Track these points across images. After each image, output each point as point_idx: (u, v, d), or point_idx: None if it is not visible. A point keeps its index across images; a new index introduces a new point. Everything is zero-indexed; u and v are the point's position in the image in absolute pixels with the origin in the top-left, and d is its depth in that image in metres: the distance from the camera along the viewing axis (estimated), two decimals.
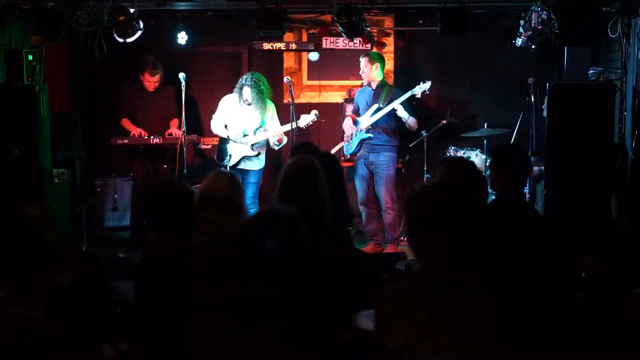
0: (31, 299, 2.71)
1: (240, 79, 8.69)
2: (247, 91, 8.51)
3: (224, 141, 8.72)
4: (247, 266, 2.98)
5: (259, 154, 8.70)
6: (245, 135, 8.58)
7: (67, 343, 2.71)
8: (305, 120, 8.60)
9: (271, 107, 8.77)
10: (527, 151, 7.73)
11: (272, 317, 2.83)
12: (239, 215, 4.67)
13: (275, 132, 8.55)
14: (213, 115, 8.88)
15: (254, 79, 8.56)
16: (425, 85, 8.55)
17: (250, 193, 8.49)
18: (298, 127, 8.44)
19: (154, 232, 4.25)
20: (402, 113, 8.45)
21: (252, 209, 8.20)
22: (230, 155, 8.60)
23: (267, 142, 8.72)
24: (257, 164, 8.73)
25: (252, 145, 8.61)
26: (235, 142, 8.58)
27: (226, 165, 8.54)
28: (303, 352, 2.87)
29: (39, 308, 2.70)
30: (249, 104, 8.57)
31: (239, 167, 8.63)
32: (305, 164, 4.46)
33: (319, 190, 4.38)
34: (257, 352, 2.78)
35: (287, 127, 8.51)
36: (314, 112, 8.68)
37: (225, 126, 8.67)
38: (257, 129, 8.61)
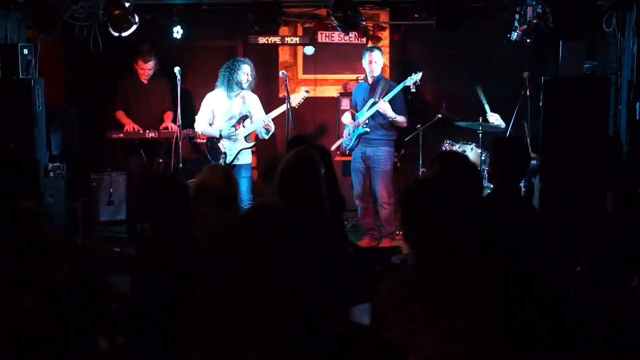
0: (27, 292, 2.72)
1: (232, 65, 8.52)
2: (248, 70, 8.43)
3: (213, 141, 8.64)
4: (243, 261, 2.98)
5: (254, 144, 8.68)
6: (233, 126, 8.54)
7: (63, 336, 2.71)
8: (296, 99, 8.59)
9: (254, 96, 8.71)
10: (526, 145, 7.73)
11: (268, 312, 2.84)
12: (234, 209, 4.68)
13: (262, 120, 8.48)
14: (196, 117, 8.76)
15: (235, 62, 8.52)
16: (417, 76, 8.52)
17: (244, 187, 8.40)
18: (291, 108, 8.38)
19: (150, 227, 4.25)
20: (389, 113, 8.43)
21: (248, 203, 8.19)
22: (225, 154, 8.54)
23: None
24: (248, 157, 8.69)
25: (246, 137, 8.57)
26: (227, 138, 8.54)
27: (224, 163, 8.45)
28: (299, 346, 2.87)
29: (35, 301, 2.70)
30: (242, 88, 8.51)
31: (234, 162, 8.55)
32: (304, 157, 4.45)
33: (319, 183, 4.38)
34: (253, 347, 2.78)
35: (274, 113, 8.50)
36: (303, 89, 8.75)
37: (210, 124, 8.65)
38: (245, 118, 8.57)
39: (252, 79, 8.54)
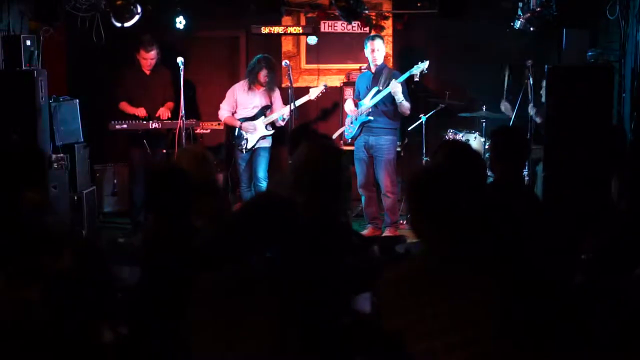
0: (31, 283, 2.72)
1: (254, 62, 8.98)
2: (264, 73, 8.87)
3: (239, 128, 9.08)
4: (245, 250, 2.98)
5: (273, 132, 9.13)
6: (256, 118, 9.02)
7: (67, 327, 2.71)
8: (315, 92, 9.13)
9: (276, 89, 9.26)
10: (526, 133, 7.72)
11: (270, 302, 2.84)
12: (212, 194, 4.64)
13: (281, 112, 9.00)
14: (221, 105, 9.15)
15: (272, 63, 8.98)
16: (424, 65, 8.51)
17: (263, 168, 9.06)
18: (309, 99, 9.08)
19: (153, 216, 4.25)
20: (398, 95, 8.42)
21: (264, 182, 8.90)
22: (247, 140, 9.01)
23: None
24: (268, 141, 9.17)
25: (267, 125, 9.04)
26: (248, 127, 9.00)
27: (244, 148, 9.02)
28: (301, 335, 2.87)
29: (39, 292, 2.70)
30: (263, 86, 8.98)
31: (255, 147, 9.08)
32: (332, 153, 4.25)
33: (343, 179, 4.23)
34: (256, 336, 2.78)
35: (298, 102, 8.95)
36: (323, 83, 9.33)
37: (233, 114, 9.11)
38: (267, 108, 9.08)
39: (271, 81, 9.02)
